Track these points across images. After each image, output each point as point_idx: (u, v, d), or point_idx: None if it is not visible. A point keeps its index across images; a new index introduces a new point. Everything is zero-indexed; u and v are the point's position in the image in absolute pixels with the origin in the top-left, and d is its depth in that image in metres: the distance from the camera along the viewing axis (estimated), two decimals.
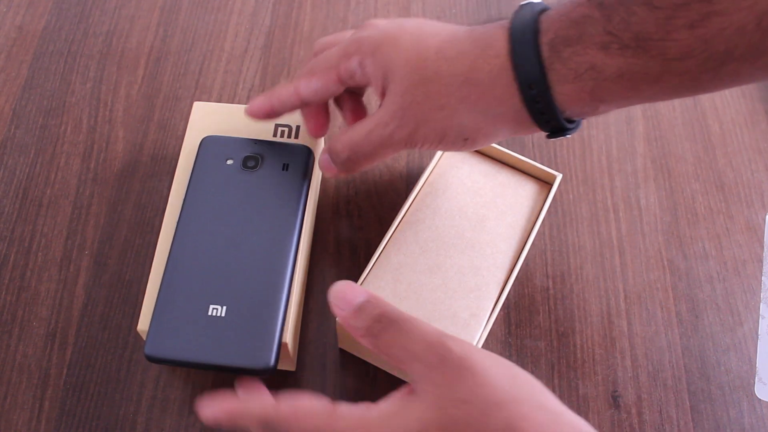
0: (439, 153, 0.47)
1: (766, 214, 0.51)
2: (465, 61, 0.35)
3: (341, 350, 0.45)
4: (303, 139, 0.46)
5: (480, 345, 0.40)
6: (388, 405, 0.30)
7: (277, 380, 0.43)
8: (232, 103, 0.54)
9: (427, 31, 0.37)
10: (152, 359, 0.38)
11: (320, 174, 0.51)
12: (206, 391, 0.43)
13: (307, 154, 0.44)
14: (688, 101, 0.56)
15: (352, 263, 0.48)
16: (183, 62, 0.57)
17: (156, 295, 0.39)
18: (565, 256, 0.48)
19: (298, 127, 0.46)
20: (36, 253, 0.48)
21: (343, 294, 0.33)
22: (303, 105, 0.41)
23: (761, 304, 0.47)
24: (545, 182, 0.47)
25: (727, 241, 0.50)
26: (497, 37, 0.34)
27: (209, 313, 0.39)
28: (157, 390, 0.43)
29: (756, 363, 0.45)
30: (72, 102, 0.54)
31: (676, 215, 0.51)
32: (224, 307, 0.39)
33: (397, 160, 0.52)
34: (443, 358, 0.29)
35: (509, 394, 0.28)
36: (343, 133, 0.39)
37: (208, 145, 0.45)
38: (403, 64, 0.36)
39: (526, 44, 0.33)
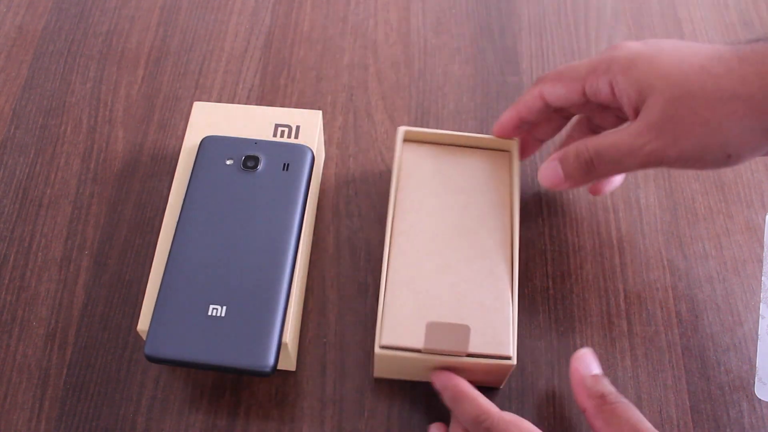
0: (397, 155, 0.46)
1: (766, 214, 0.51)
2: (733, 77, 0.34)
3: (341, 352, 0.45)
4: (303, 139, 0.46)
5: (516, 323, 0.41)
6: None
7: (277, 380, 0.43)
8: (232, 103, 0.54)
9: (686, 50, 0.37)
10: (152, 359, 0.38)
11: (320, 174, 0.51)
12: (206, 391, 0.43)
13: (307, 154, 0.45)
14: None
15: (352, 263, 0.48)
16: (183, 62, 0.57)
17: (156, 295, 0.39)
18: (565, 256, 0.48)
19: (298, 127, 0.46)
20: (36, 253, 0.48)
21: (586, 359, 0.40)
22: (547, 111, 0.42)
23: (761, 304, 0.47)
24: (506, 150, 0.48)
25: (727, 241, 0.50)
26: None
27: (209, 313, 0.39)
28: (157, 390, 0.43)
29: (756, 363, 0.45)
30: (72, 102, 0.54)
31: (676, 215, 0.51)
32: (224, 307, 0.39)
33: None
34: None
35: None
36: (582, 141, 0.39)
37: (208, 145, 0.45)
38: (663, 79, 0.36)
39: None
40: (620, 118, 0.43)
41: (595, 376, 0.39)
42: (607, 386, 0.38)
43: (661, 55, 0.37)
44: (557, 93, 0.40)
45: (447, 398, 0.39)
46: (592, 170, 0.39)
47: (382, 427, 0.42)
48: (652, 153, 0.36)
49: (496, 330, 0.40)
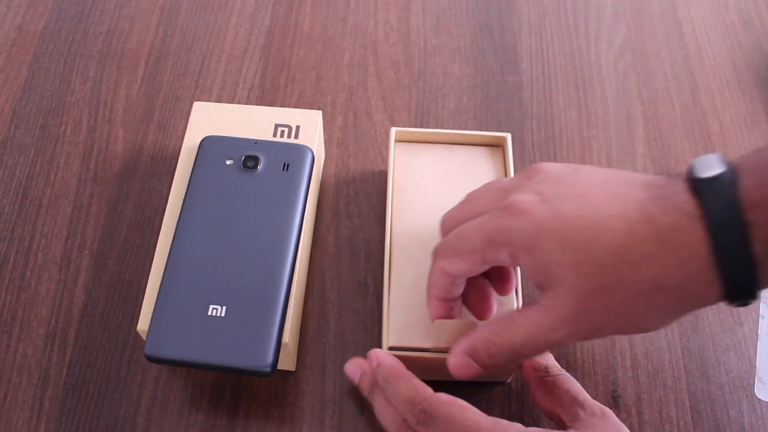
0: (391, 156, 0.46)
1: None
2: (652, 267, 0.30)
3: (341, 352, 0.45)
4: (303, 139, 0.46)
5: None
6: None
7: (277, 380, 0.43)
8: (232, 103, 0.54)
9: (596, 223, 0.32)
10: (152, 359, 0.38)
11: (320, 174, 0.51)
12: (206, 391, 0.43)
13: (307, 154, 0.45)
14: (687, 101, 0.56)
15: (352, 263, 0.48)
16: (183, 62, 0.57)
17: (156, 295, 0.39)
18: None
19: (298, 127, 0.46)
20: (36, 253, 0.48)
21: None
22: (459, 281, 0.39)
23: (761, 304, 0.47)
24: (499, 146, 0.48)
25: None
26: (689, 234, 0.30)
27: (209, 313, 0.39)
28: (157, 390, 0.43)
29: (756, 363, 0.45)
30: (72, 102, 0.54)
31: None
32: (224, 307, 0.39)
33: None
34: (604, 413, 0.35)
35: None
36: (491, 332, 0.35)
37: (208, 145, 0.45)
38: (573, 269, 0.32)
39: (733, 250, 0.29)
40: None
41: (534, 361, 0.40)
42: (550, 360, 0.39)
43: (566, 234, 0.32)
44: (458, 268, 0.37)
45: (379, 378, 0.38)
46: (512, 363, 0.36)
47: (382, 427, 0.42)
48: (570, 342, 0.35)
49: None
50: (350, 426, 0.42)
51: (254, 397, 0.43)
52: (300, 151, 0.44)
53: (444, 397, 0.35)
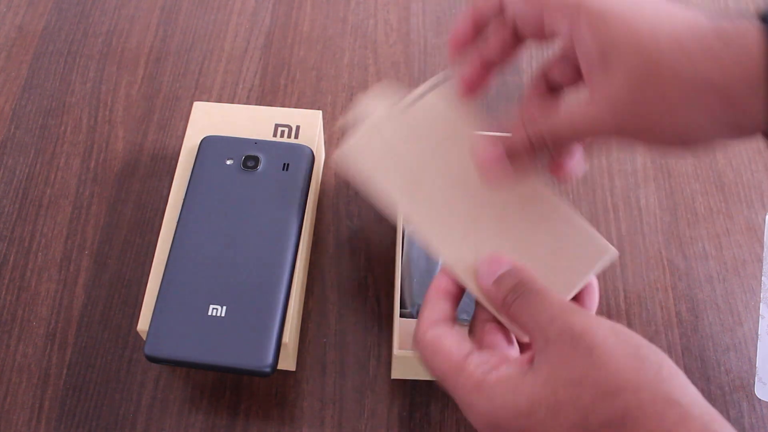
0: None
1: (766, 214, 0.51)
2: (712, 64, 0.29)
3: (341, 352, 0.45)
4: (303, 139, 0.46)
5: None
6: (509, 372, 0.29)
7: (277, 380, 0.43)
8: (232, 103, 0.54)
9: (662, 13, 0.31)
10: (152, 359, 0.38)
11: (320, 174, 0.51)
12: (206, 391, 0.43)
13: (307, 154, 0.45)
14: None
15: (352, 263, 0.48)
16: (183, 62, 0.57)
17: (156, 295, 0.39)
18: None
19: (298, 127, 0.46)
20: (36, 253, 0.48)
21: (488, 266, 0.34)
22: (500, 18, 0.36)
23: (761, 304, 0.47)
24: None
25: (727, 241, 0.50)
26: (753, 41, 0.28)
27: (209, 313, 0.39)
28: (157, 390, 0.43)
29: (756, 363, 0.45)
30: (72, 102, 0.54)
31: (676, 215, 0.51)
32: (224, 307, 0.39)
33: None
34: (562, 332, 0.28)
35: (629, 379, 0.26)
36: (527, 116, 0.34)
37: (208, 145, 0.45)
38: (633, 52, 0.30)
39: None
40: (579, 74, 0.37)
41: (495, 281, 0.34)
42: (507, 286, 0.33)
43: (636, 18, 0.31)
44: (516, 3, 0.35)
45: None
46: (546, 145, 0.35)
47: (382, 427, 0.42)
48: (609, 132, 0.33)
49: None
50: (350, 426, 0.42)
51: (254, 397, 0.43)
52: (300, 151, 0.44)
53: (428, 336, 0.33)
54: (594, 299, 0.38)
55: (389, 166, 0.39)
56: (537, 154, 0.35)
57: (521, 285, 0.32)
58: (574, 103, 0.33)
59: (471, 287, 0.35)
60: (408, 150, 0.39)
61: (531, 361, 0.29)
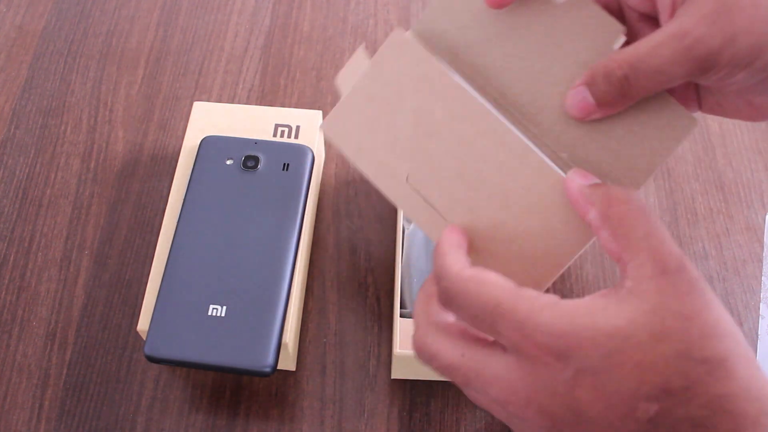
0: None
1: (766, 214, 0.51)
2: None
3: (341, 352, 0.45)
4: (303, 139, 0.46)
5: None
6: (587, 300, 0.27)
7: (277, 380, 0.43)
8: (232, 103, 0.54)
9: None
10: (152, 359, 0.38)
11: (320, 174, 0.51)
12: (206, 391, 0.43)
13: (308, 154, 0.45)
14: None
15: (352, 263, 0.48)
16: (183, 62, 0.57)
17: (156, 295, 0.39)
18: None
19: (298, 127, 0.46)
20: (36, 253, 0.48)
21: (582, 173, 0.32)
22: None
23: (761, 304, 0.47)
24: None
25: (727, 241, 0.50)
26: None
27: (209, 313, 0.39)
28: (157, 390, 0.43)
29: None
30: (72, 102, 0.54)
31: (676, 215, 0.51)
32: (224, 307, 0.39)
33: None
34: (679, 269, 0.26)
35: (730, 330, 0.26)
36: (613, 53, 0.32)
37: (208, 145, 0.45)
38: None
39: None
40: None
41: (595, 185, 0.31)
42: (612, 188, 0.31)
43: None
44: None
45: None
46: (629, 90, 0.32)
47: (382, 427, 0.42)
48: (703, 57, 0.29)
49: None
50: (350, 426, 0.42)
51: (254, 397, 0.43)
52: (300, 151, 0.45)
53: (467, 272, 0.30)
54: None
55: (374, 135, 0.37)
56: (625, 98, 0.32)
57: (632, 198, 0.29)
58: (656, 34, 0.30)
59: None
60: (390, 114, 0.36)
61: (621, 288, 0.27)
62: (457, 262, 0.30)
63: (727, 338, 0.26)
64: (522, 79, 0.36)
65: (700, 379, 0.24)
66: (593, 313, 0.26)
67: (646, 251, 0.27)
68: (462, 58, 0.37)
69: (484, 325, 0.28)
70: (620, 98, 0.32)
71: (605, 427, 0.25)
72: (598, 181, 0.32)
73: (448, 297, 0.30)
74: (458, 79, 0.36)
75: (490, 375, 0.28)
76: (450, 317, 0.31)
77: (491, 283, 0.28)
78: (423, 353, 0.30)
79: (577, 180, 0.32)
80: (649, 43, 0.30)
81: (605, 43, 0.34)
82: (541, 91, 0.36)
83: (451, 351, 0.29)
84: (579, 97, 0.33)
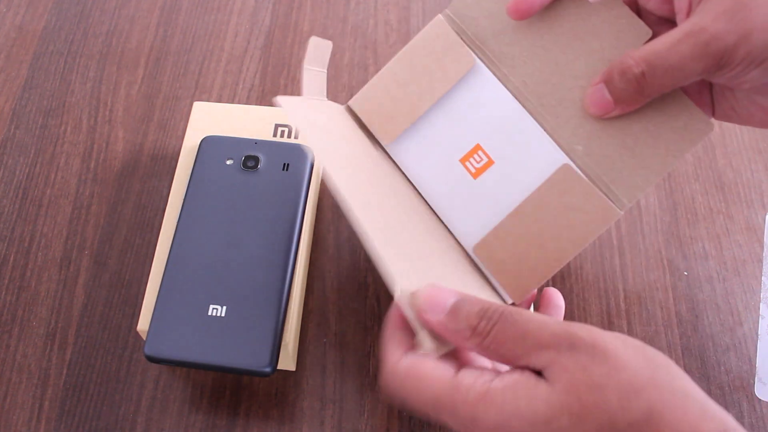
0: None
1: (766, 214, 0.51)
2: None
3: (341, 352, 0.45)
4: (303, 139, 0.46)
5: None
6: (515, 378, 0.27)
7: (277, 380, 0.43)
8: (232, 103, 0.54)
9: None
10: (152, 359, 0.38)
11: (320, 174, 0.51)
12: (206, 391, 0.43)
13: (308, 154, 0.45)
14: None
15: (352, 263, 0.48)
16: (183, 62, 0.57)
17: (156, 295, 0.39)
18: None
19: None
20: (36, 253, 0.48)
21: (432, 299, 0.29)
22: None
23: (761, 304, 0.47)
24: None
25: (727, 241, 0.50)
26: None
27: (209, 313, 0.39)
28: (157, 390, 0.43)
29: (756, 363, 0.45)
30: (72, 102, 0.54)
31: (676, 215, 0.51)
32: (224, 307, 0.39)
33: None
34: (573, 344, 0.26)
35: (648, 379, 0.26)
36: (629, 51, 0.32)
37: (208, 145, 0.45)
38: None
39: None
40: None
41: (450, 313, 0.29)
42: (470, 315, 0.29)
43: None
44: None
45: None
46: (645, 87, 0.32)
47: (382, 427, 0.42)
48: (720, 53, 0.30)
49: None
50: (350, 426, 0.42)
51: (254, 397, 0.43)
52: (300, 151, 0.45)
53: (402, 365, 0.29)
54: (561, 309, 0.38)
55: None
56: (641, 95, 0.33)
57: (489, 310, 0.28)
58: (673, 31, 0.31)
59: (415, 325, 0.30)
60: (343, 155, 0.36)
61: (536, 374, 0.27)
62: (393, 353, 0.30)
63: (646, 390, 0.25)
64: (545, 70, 0.37)
65: None
66: (523, 397, 0.27)
67: (536, 348, 0.27)
68: (489, 46, 0.38)
69: (429, 416, 0.29)
70: (637, 95, 0.33)
71: None
72: (453, 299, 0.29)
73: (390, 391, 0.30)
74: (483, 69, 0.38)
75: None
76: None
77: (428, 377, 0.28)
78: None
79: (433, 312, 0.29)
80: (666, 40, 0.31)
81: (631, 45, 0.35)
82: (562, 84, 0.36)
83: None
84: (598, 95, 0.34)
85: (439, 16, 0.38)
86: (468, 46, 0.38)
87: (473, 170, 0.37)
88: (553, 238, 0.36)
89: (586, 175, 0.36)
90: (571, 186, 0.36)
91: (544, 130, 0.37)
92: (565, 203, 0.36)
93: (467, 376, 0.28)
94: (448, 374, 0.28)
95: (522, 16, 0.35)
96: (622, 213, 0.36)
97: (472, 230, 0.38)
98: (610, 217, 0.36)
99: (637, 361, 0.26)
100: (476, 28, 0.38)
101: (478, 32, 0.38)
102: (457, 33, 0.38)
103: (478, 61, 0.38)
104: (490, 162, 0.37)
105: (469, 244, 0.38)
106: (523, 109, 0.37)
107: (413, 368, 0.29)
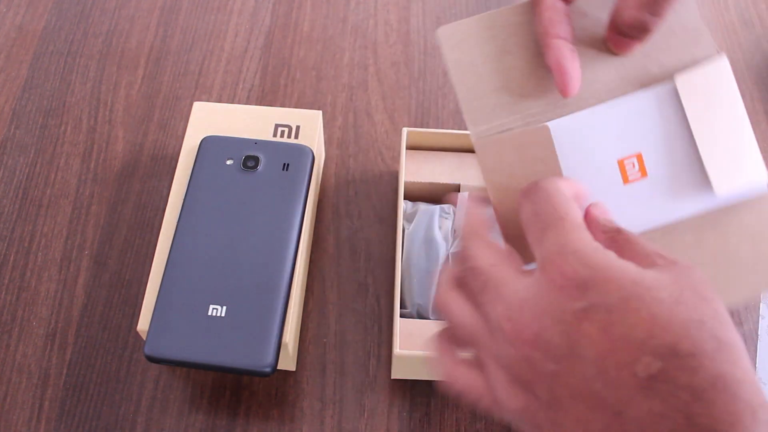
0: (402, 157, 0.46)
1: None
2: None
3: (341, 352, 0.45)
4: (303, 139, 0.46)
5: None
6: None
7: (277, 380, 0.43)
8: (232, 103, 0.54)
9: None
10: (152, 359, 0.38)
11: (320, 174, 0.51)
12: (206, 391, 0.43)
13: (308, 154, 0.45)
14: None
15: (352, 263, 0.48)
16: (183, 62, 0.57)
17: (156, 295, 0.39)
18: None
19: (298, 127, 0.46)
20: (36, 253, 0.48)
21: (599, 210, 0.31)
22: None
23: (761, 304, 0.47)
24: None
25: None
26: None
27: (209, 313, 0.39)
28: (157, 390, 0.43)
29: (756, 363, 0.45)
30: (72, 102, 0.54)
31: None
32: (224, 307, 0.39)
33: (397, 160, 0.52)
34: (690, 267, 0.27)
35: (735, 334, 0.26)
36: None
37: (208, 145, 0.45)
38: None
39: None
40: None
41: (609, 219, 0.31)
42: (618, 224, 0.30)
43: None
44: None
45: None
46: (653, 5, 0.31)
47: (382, 427, 0.42)
48: None
49: None
50: (350, 426, 0.42)
51: (254, 397, 0.43)
52: (300, 151, 0.44)
53: (556, 179, 0.30)
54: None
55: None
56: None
57: (618, 230, 0.29)
58: None
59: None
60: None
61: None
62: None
63: (735, 333, 0.25)
64: None
65: (708, 352, 0.24)
66: (627, 263, 0.26)
67: (652, 256, 0.27)
68: None
69: (536, 227, 0.28)
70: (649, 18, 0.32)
71: (596, 374, 0.24)
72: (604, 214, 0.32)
73: (530, 188, 0.30)
74: None
75: (507, 288, 0.28)
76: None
77: (568, 198, 0.29)
78: (463, 259, 0.30)
79: (591, 210, 0.32)
80: None
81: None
82: None
83: (486, 257, 0.29)
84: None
85: None
86: None
87: (627, 176, 0.37)
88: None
89: None
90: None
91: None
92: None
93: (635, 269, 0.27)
94: (581, 217, 0.29)
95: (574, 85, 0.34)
96: None
97: None
98: None
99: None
100: None
101: None
102: None
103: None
104: (644, 175, 0.37)
105: None
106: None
107: (560, 183, 0.30)
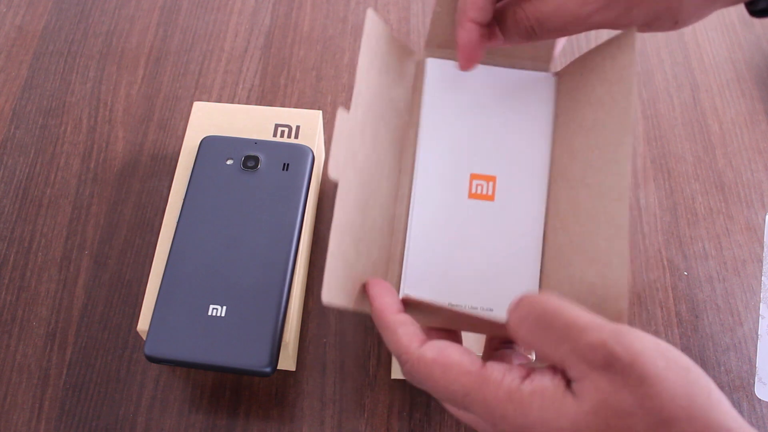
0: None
1: (766, 214, 0.51)
2: None
3: (341, 352, 0.45)
4: (303, 139, 0.46)
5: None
6: (544, 385, 0.27)
7: (277, 380, 0.43)
8: (232, 103, 0.54)
9: None
10: (152, 359, 0.38)
11: (320, 174, 0.51)
12: (206, 391, 0.43)
13: (308, 154, 0.45)
14: (687, 101, 0.56)
15: None
16: (183, 62, 0.57)
17: (156, 295, 0.39)
18: None
19: (298, 127, 0.46)
20: (36, 253, 0.48)
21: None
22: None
23: (761, 304, 0.47)
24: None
25: (727, 241, 0.50)
26: None
27: (209, 313, 0.39)
28: (157, 390, 0.43)
29: (756, 363, 0.45)
30: (72, 102, 0.54)
31: (676, 215, 0.51)
32: (224, 307, 0.39)
33: None
34: (609, 364, 0.25)
35: (683, 407, 0.25)
36: (523, 5, 0.35)
37: (208, 145, 0.45)
38: None
39: None
40: None
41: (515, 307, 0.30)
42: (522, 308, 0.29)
43: None
44: None
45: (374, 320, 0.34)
46: (534, 37, 0.36)
47: (382, 427, 0.42)
48: (600, 23, 0.34)
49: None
50: (350, 426, 0.42)
51: (254, 397, 0.43)
52: (300, 151, 0.44)
53: (430, 352, 0.29)
54: None
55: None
56: (529, 41, 0.36)
57: (536, 305, 0.28)
58: None
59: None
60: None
61: (567, 383, 0.27)
62: (413, 337, 0.30)
63: (678, 422, 0.25)
64: None
65: None
66: (549, 408, 0.26)
67: (571, 356, 0.26)
68: None
69: (456, 407, 0.29)
70: (524, 41, 0.37)
71: None
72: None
73: (415, 380, 0.30)
74: None
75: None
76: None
77: (456, 366, 0.28)
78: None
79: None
80: (556, 2, 0.34)
81: None
82: None
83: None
84: (470, 32, 0.37)
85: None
86: None
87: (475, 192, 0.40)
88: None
89: None
90: None
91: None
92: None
93: (495, 370, 0.28)
94: (476, 365, 0.28)
95: (470, 65, 0.38)
96: None
97: None
98: None
99: (676, 387, 0.25)
100: None
101: None
102: None
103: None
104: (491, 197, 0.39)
105: None
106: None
107: (440, 356, 0.29)
